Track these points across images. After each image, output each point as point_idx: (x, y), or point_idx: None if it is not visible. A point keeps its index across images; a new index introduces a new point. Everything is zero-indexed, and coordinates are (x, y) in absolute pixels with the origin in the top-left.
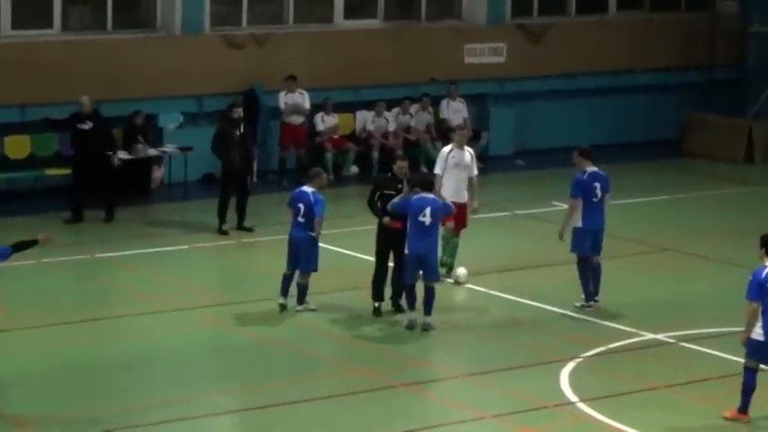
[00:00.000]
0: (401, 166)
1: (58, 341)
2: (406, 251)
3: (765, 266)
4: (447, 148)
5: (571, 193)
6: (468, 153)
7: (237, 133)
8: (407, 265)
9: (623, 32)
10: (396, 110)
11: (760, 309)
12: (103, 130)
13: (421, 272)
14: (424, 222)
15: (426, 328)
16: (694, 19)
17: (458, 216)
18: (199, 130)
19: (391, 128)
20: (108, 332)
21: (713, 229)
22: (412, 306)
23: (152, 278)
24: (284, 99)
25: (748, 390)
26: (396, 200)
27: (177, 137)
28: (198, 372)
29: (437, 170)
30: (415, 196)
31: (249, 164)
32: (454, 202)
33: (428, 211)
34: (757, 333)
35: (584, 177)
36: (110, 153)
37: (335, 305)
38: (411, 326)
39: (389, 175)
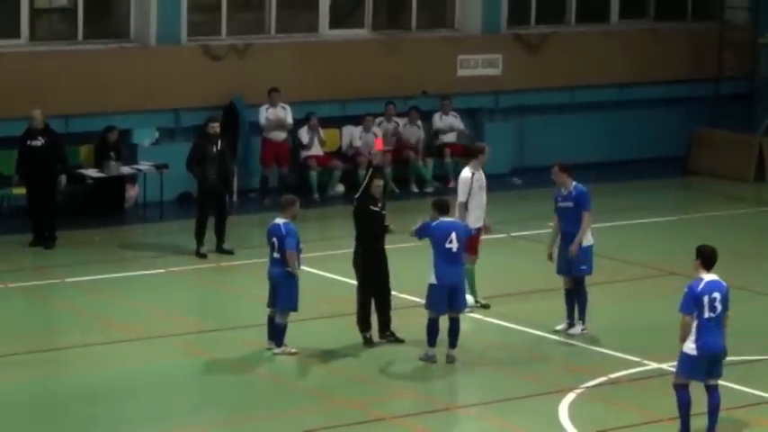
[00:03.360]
0: (377, 184)
1: (22, 372)
2: (433, 281)
3: (702, 279)
4: (468, 172)
5: (589, 206)
6: (483, 172)
7: (214, 150)
8: (436, 297)
9: (626, 43)
10: (379, 119)
11: (694, 323)
12: (56, 147)
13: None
14: (451, 249)
15: (452, 361)
16: (702, 29)
17: (477, 241)
18: (175, 147)
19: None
20: (77, 362)
21: (723, 252)
22: (434, 341)
23: (125, 304)
24: (266, 114)
25: (685, 409)
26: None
27: (152, 154)
28: (173, 404)
29: (461, 197)
30: (435, 222)
31: (227, 182)
32: (478, 228)
33: (454, 236)
34: (689, 347)
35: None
36: (61, 173)
37: (319, 333)
38: (433, 360)
39: (365, 195)
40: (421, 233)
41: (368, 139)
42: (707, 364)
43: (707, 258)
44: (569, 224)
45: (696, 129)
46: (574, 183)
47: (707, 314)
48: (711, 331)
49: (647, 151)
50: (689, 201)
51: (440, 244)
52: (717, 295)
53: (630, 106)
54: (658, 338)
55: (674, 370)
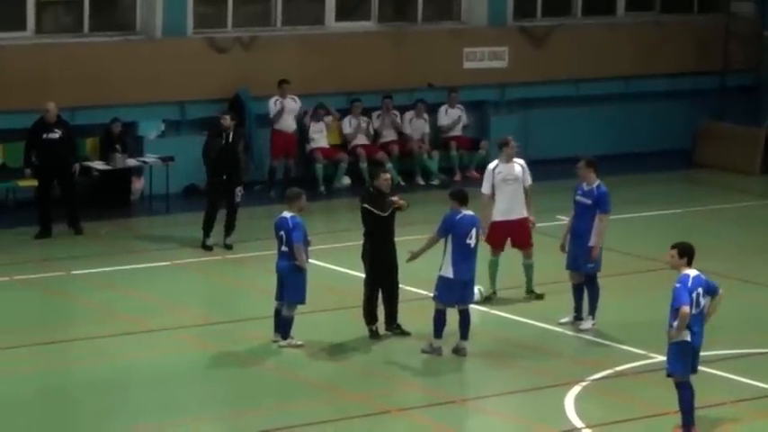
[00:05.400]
0: (385, 179)
1: (28, 364)
2: (449, 275)
3: (688, 275)
4: (492, 164)
5: (608, 208)
6: (518, 164)
7: (222, 143)
8: (449, 290)
9: (632, 35)
10: (377, 112)
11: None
12: (71, 138)
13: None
14: (470, 245)
15: (464, 354)
16: (707, 21)
17: (522, 234)
18: (181, 139)
19: (374, 126)
20: (83, 354)
21: (729, 245)
22: (440, 333)
23: (131, 297)
24: (277, 106)
25: (690, 404)
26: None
27: (158, 146)
28: (178, 396)
29: (484, 189)
30: (459, 215)
31: (236, 176)
32: (508, 220)
33: (474, 232)
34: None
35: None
36: (74, 164)
37: (326, 326)
38: (438, 353)
39: (372, 190)
40: (443, 231)
41: (355, 124)
42: (692, 359)
43: (690, 255)
44: (582, 221)
45: (702, 121)
46: (598, 181)
47: (693, 310)
48: (697, 326)
49: (652, 144)
50: (694, 194)
51: (461, 239)
52: (700, 290)
53: (636, 99)
54: (663, 331)
55: None
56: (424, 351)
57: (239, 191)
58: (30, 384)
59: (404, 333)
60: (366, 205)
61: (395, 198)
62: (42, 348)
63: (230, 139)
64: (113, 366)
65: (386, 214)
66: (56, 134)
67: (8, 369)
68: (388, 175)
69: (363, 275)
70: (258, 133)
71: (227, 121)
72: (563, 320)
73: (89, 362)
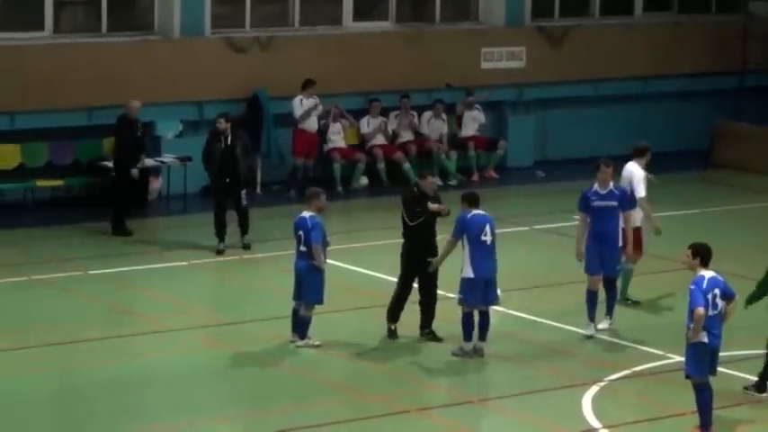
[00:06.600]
0: (430, 181)
1: (45, 364)
2: (470, 275)
3: (703, 276)
4: (641, 170)
5: (630, 206)
6: None
7: (221, 146)
8: (472, 290)
9: (649, 36)
10: (395, 112)
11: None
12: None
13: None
14: (486, 241)
15: (482, 354)
16: (725, 21)
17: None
18: (199, 140)
19: (392, 127)
20: (99, 354)
21: (745, 246)
22: (470, 336)
23: (148, 296)
24: (303, 106)
25: (709, 406)
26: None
27: (176, 146)
28: (195, 396)
29: (644, 192)
30: (470, 214)
31: (238, 178)
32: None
33: (488, 228)
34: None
35: None
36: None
37: (343, 326)
38: (470, 356)
39: (416, 190)
40: (458, 232)
41: (376, 124)
42: (711, 361)
43: (705, 256)
44: (608, 224)
45: (719, 122)
46: (612, 181)
47: (710, 311)
48: (716, 328)
49: (669, 144)
50: (711, 194)
51: (477, 237)
52: (717, 291)
53: (654, 99)
54: (681, 332)
55: None
56: (455, 354)
57: (244, 194)
58: (45, 384)
59: (436, 338)
60: (403, 206)
61: (435, 206)
62: (58, 348)
63: (228, 142)
64: (129, 366)
65: (413, 224)
66: (139, 132)
67: (24, 368)
68: (432, 179)
69: (383, 276)
70: (277, 133)
71: (222, 124)
72: (587, 333)
73: (105, 361)
